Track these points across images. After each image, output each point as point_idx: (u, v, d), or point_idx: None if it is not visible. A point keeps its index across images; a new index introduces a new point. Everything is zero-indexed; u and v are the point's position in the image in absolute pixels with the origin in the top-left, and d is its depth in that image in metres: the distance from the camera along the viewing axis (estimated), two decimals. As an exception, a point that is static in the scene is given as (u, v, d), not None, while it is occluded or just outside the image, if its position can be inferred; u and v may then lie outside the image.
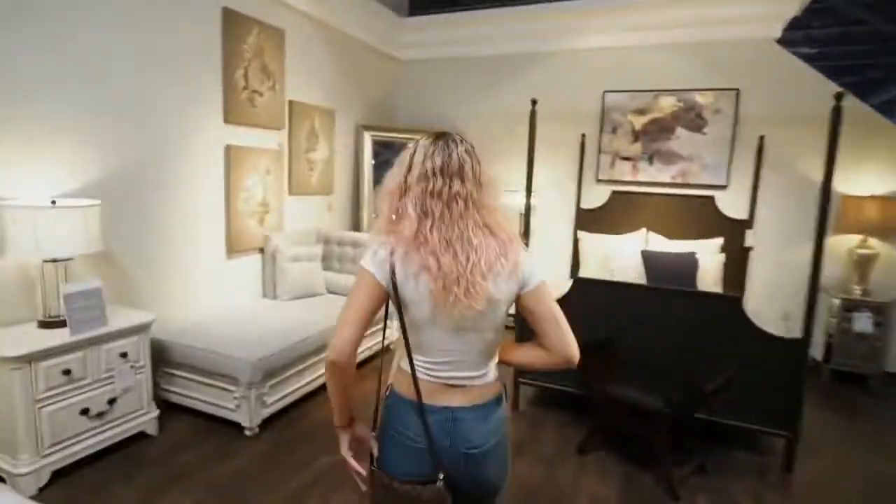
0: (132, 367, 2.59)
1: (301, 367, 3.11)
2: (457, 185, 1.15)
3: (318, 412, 3.08)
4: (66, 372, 2.29)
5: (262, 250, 3.93)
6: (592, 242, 4.64)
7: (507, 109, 5.03)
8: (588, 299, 2.93)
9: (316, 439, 2.79)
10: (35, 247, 2.30)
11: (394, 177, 1.21)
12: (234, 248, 3.67)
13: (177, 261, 3.29)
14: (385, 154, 5.09)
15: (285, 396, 3.00)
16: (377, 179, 5.06)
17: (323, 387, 2.97)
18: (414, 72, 5.59)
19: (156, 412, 2.75)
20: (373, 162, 5.05)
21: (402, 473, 1.19)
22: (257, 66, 3.71)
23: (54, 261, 2.42)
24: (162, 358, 2.94)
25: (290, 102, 4.11)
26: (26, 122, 2.45)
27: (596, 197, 4.84)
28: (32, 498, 2.19)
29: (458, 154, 1.17)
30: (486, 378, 1.23)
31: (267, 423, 2.88)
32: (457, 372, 1.19)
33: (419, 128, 5.33)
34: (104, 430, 2.49)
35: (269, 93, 3.84)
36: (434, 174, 1.15)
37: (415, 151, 1.20)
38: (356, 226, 5.05)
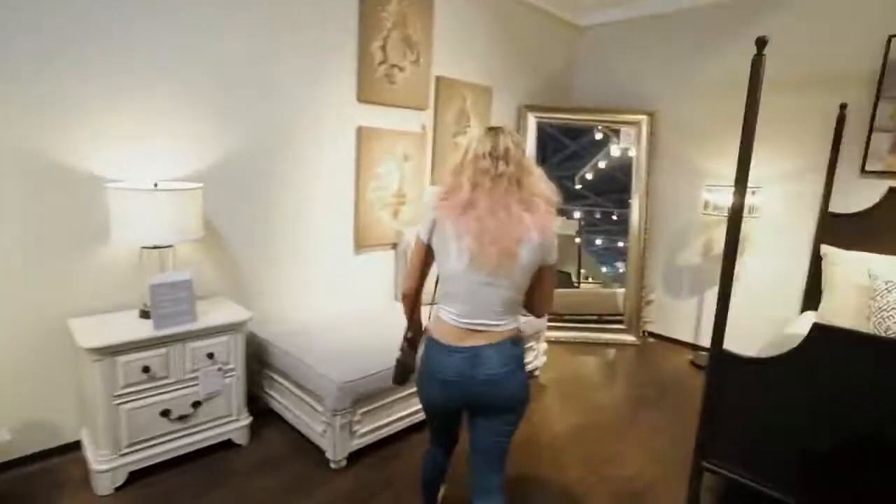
0: (220, 369, 2.34)
1: (401, 394, 2.55)
2: (502, 167, 1.41)
3: (412, 456, 2.49)
4: (146, 369, 2.11)
5: (395, 246, 3.51)
6: (846, 263, 3.12)
7: (724, 78, 3.74)
8: (836, 363, 1.74)
9: (407, 490, 2.21)
10: (136, 232, 2.17)
11: (455, 162, 1.50)
12: (362, 242, 3.30)
13: (296, 254, 3.03)
14: (556, 142, 4.26)
15: (380, 428, 2.48)
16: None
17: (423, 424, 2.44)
18: (597, 39, 4.60)
19: (247, 420, 2.49)
20: (535, 150, 4.26)
21: (432, 401, 1.59)
22: (398, 36, 3.25)
23: (156, 247, 2.28)
24: (264, 360, 2.69)
25: (437, 79, 3.58)
26: (142, 105, 2.35)
27: (857, 197, 3.26)
28: (105, 498, 2.07)
29: (504, 142, 1.43)
30: (505, 326, 1.47)
31: (356, 456, 2.40)
32: (479, 319, 1.45)
33: (603, 107, 4.35)
34: (187, 436, 2.29)
35: (411, 67, 3.36)
36: (484, 156, 1.42)
37: (470, 140, 1.48)
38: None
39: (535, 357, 3.42)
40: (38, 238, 2.16)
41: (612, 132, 4.44)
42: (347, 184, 3.19)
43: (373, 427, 2.44)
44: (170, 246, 2.33)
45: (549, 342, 4.05)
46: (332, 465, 2.33)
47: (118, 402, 2.08)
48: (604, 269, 5.73)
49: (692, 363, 3.90)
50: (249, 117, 2.71)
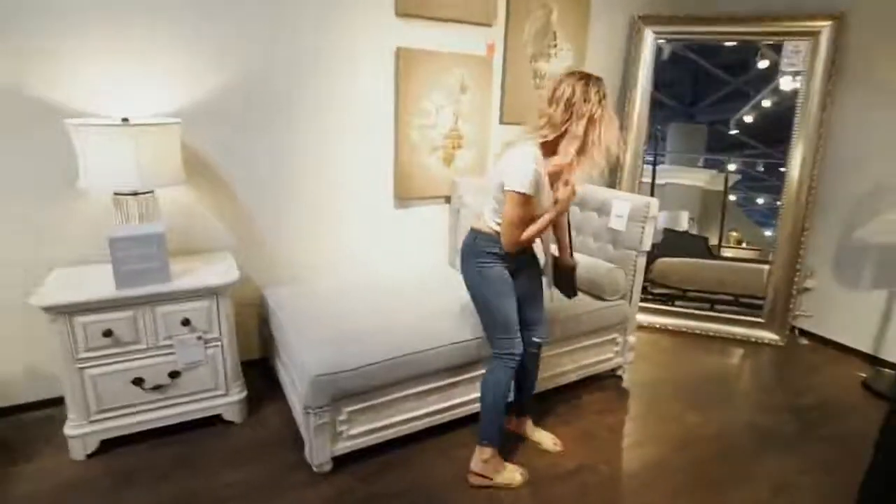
0: (200, 338, 2.02)
1: (401, 393, 2.00)
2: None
3: (409, 469, 1.96)
4: (108, 333, 1.85)
5: (448, 200, 2.89)
6: None
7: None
8: None
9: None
10: (104, 176, 1.88)
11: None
12: (404, 193, 2.73)
13: (321, 207, 2.57)
14: (679, 67, 3.18)
15: (377, 431, 1.98)
16: (660, 112, 3.29)
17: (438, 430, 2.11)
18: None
19: (239, 395, 2.18)
20: (651, 82, 3.20)
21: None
22: (454, -77, 2.48)
23: (135, 194, 1.97)
24: (271, 327, 2.34)
25: (511, -19, 2.74)
26: (142, 29, 2.00)
27: None
28: (76, 463, 1.91)
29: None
30: (477, 222, 1.86)
31: (345, 461, 1.94)
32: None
33: (760, 13, 3.09)
34: (165, 407, 2.04)
35: (472, -34, 2.58)
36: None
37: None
38: (612, 177, 3.40)
39: (618, 353, 2.61)
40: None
41: (770, 48, 3.17)
42: (384, 122, 2.60)
43: (367, 429, 1.95)
44: (149, 192, 2.01)
45: (651, 329, 3.16)
46: (315, 469, 1.91)
47: (81, 366, 1.86)
48: (767, 234, 4.56)
49: (865, 385, 2.72)
50: (258, 37, 2.24)
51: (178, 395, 2.05)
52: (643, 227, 2.44)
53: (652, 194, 3.97)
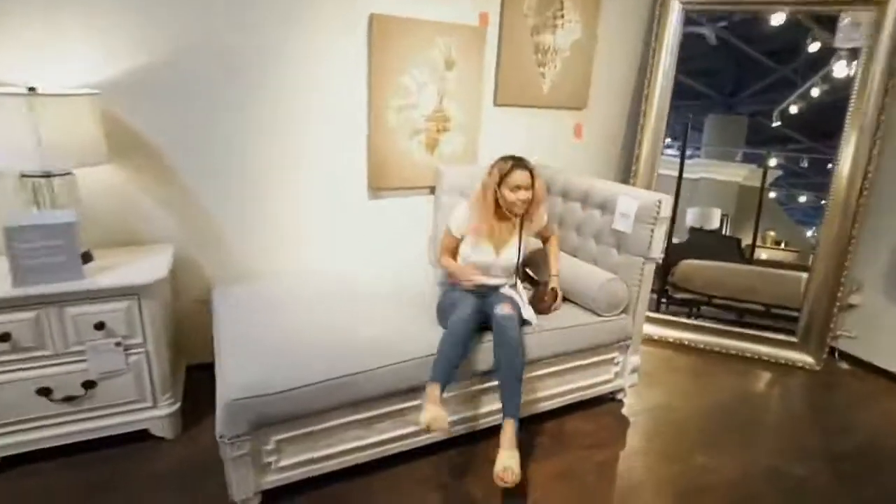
0: (118, 344, 1.75)
1: (356, 416, 1.69)
2: None
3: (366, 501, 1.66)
4: (5, 337, 1.60)
5: (433, 191, 2.55)
6: None
7: None
8: None
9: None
10: (6, 154, 1.62)
11: None
12: (379, 182, 2.40)
13: (283, 196, 2.27)
14: (720, 54, 2.75)
15: (316, 462, 1.68)
16: (683, 94, 2.90)
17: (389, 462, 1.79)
18: None
19: (170, 409, 1.91)
20: (674, 66, 2.76)
21: None
22: None
23: (47, 176, 1.71)
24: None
25: (510, -62, 2.35)
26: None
27: None
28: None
29: None
30: None
31: (279, 494, 1.65)
32: None
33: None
34: (80, 421, 1.79)
35: (461, -81, 2.20)
36: None
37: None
38: (626, 170, 2.99)
39: (617, 374, 2.23)
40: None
41: (822, 28, 2.70)
42: (355, 100, 2.27)
43: (301, 460, 1.65)
44: (66, 174, 1.75)
45: (663, 344, 2.77)
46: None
47: (-26, 373, 1.62)
48: (809, 234, 4.09)
49: (918, 425, 2.27)
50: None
51: (94, 408, 1.79)
52: (652, 230, 2.04)
53: (678, 190, 3.55)
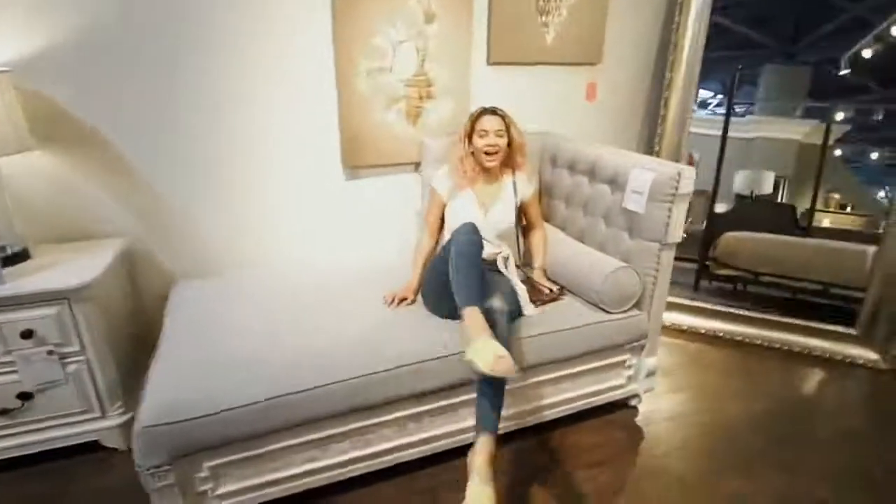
0: (52, 352, 1.59)
1: (308, 437, 1.46)
2: None
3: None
4: (-77, 348, 1.46)
5: (417, 167, 2.24)
6: None
7: None
8: None
9: None
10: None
11: None
12: (354, 159, 2.12)
13: (246, 179, 2.03)
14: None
15: (262, 487, 1.46)
16: (734, 44, 2.45)
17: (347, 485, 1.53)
18: None
19: (120, 417, 1.75)
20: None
21: None
22: None
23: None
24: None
25: None
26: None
27: None
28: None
29: None
30: None
31: (218, 524, 1.46)
32: None
33: None
34: (20, 434, 1.65)
35: None
36: None
37: None
38: (650, 136, 2.56)
39: (630, 377, 1.91)
40: None
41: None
42: (321, 66, 1.97)
43: (245, 486, 1.44)
44: (-18, 165, 1.56)
45: (692, 336, 2.40)
46: (174, 531, 1.44)
47: None
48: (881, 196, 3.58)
49: None
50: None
51: (35, 420, 1.65)
52: (670, 209, 1.67)
53: (722, 152, 3.09)
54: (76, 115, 1.76)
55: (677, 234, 1.71)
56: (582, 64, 2.37)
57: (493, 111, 1.79)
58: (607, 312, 1.76)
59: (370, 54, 1.98)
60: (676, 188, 1.65)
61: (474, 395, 1.56)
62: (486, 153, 1.77)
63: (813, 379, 2.24)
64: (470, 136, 1.80)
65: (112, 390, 1.72)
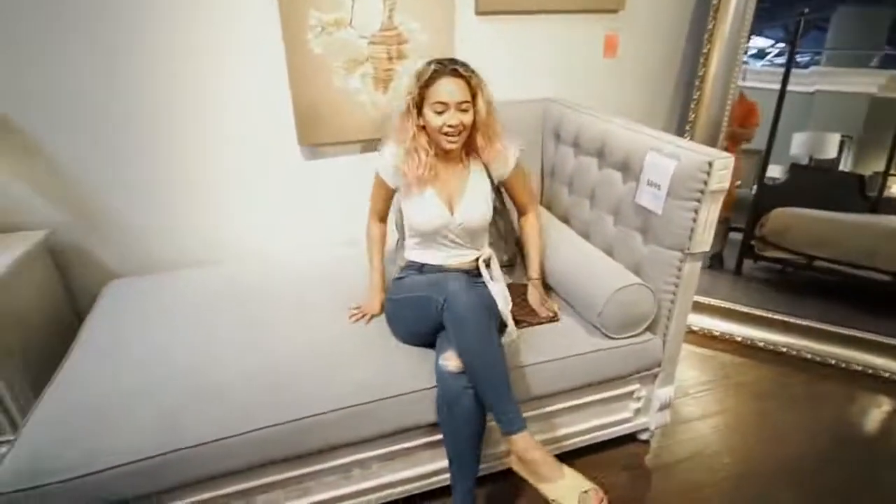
0: (-60, 374, 1.36)
1: (229, 489, 1.20)
2: None
3: None
4: None
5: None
6: None
7: None
8: None
9: None
10: None
11: None
12: (311, 136, 1.76)
13: (192, 164, 1.72)
14: None
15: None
16: None
17: None
18: None
19: (39, 443, 1.53)
20: None
21: None
22: None
23: None
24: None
25: None
26: None
27: None
28: None
29: None
30: None
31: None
32: None
33: None
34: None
35: None
36: None
37: None
38: (683, 109, 2.08)
39: (639, 409, 1.55)
40: None
41: None
42: (264, 24, 1.59)
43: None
44: None
45: (724, 343, 2.02)
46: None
47: None
48: None
49: None
50: None
51: (-61, 446, 1.45)
52: (696, 210, 1.26)
53: (779, 108, 2.57)
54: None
55: (705, 241, 1.30)
56: (599, 11, 1.88)
57: (453, 70, 1.26)
58: (610, 338, 1.39)
59: (322, 4, 1.58)
60: (707, 180, 1.23)
61: (435, 438, 1.27)
62: (446, 133, 1.30)
63: (877, 407, 1.82)
64: (420, 107, 1.31)
65: (28, 407, 1.50)
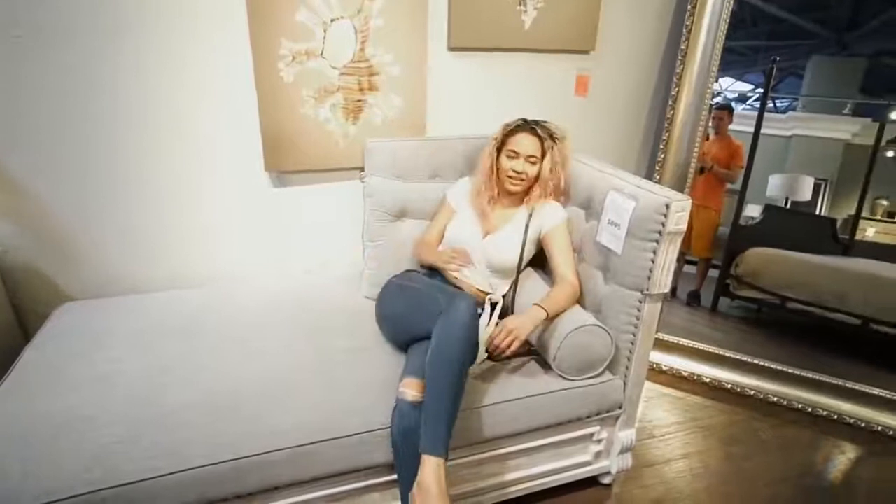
0: None
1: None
2: None
3: None
4: None
5: (361, 172, 1.85)
6: None
7: None
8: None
9: None
10: None
11: None
12: (279, 163, 1.75)
13: (152, 185, 1.69)
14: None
15: None
16: (779, 33, 2.17)
17: None
18: None
19: None
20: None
21: None
22: None
23: None
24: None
25: None
26: None
27: None
28: None
29: None
30: None
31: None
32: None
33: None
34: None
35: None
36: None
37: None
38: (653, 148, 2.11)
39: (599, 453, 1.51)
40: None
41: None
42: (233, 49, 1.59)
43: None
44: None
45: (692, 384, 1.99)
46: None
47: None
48: None
49: None
50: None
51: None
52: (654, 251, 1.25)
53: (753, 151, 2.64)
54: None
55: (665, 282, 1.29)
56: (570, 51, 1.92)
57: (532, 128, 1.50)
58: (567, 379, 1.36)
59: (292, 34, 1.59)
60: (665, 221, 1.23)
61: (384, 479, 1.22)
62: (510, 177, 1.51)
63: (845, 458, 1.79)
64: (499, 151, 1.53)
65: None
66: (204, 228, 1.78)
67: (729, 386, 2.05)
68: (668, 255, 1.26)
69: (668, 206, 1.21)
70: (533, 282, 1.55)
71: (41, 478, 1.02)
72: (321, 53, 1.64)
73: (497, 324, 1.37)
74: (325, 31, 1.62)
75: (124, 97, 1.56)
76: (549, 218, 1.50)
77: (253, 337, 1.47)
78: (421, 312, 1.29)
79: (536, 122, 1.52)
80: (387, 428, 1.18)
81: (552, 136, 1.51)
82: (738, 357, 2.09)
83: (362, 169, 1.79)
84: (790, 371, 2.02)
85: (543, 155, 1.49)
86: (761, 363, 2.05)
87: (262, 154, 1.72)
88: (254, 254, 1.86)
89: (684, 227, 1.23)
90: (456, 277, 1.50)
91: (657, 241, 1.24)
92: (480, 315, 1.39)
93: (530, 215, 1.52)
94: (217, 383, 1.28)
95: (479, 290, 1.51)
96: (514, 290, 1.52)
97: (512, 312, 1.46)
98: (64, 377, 1.30)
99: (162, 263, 1.78)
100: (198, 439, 1.12)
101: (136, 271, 1.76)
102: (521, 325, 1.29)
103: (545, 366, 1.40)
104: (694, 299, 2.72)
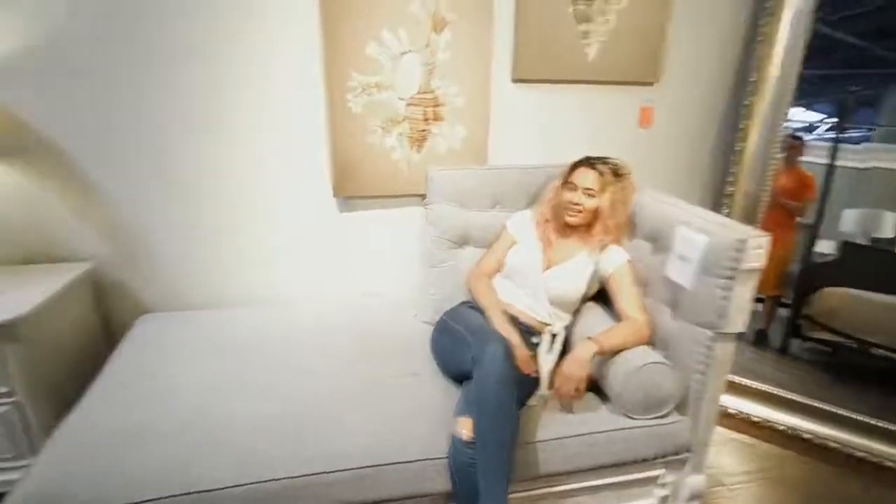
0: (-28, 395, 1.42)
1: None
2: None
3: None
4: None
5: (424, 199, 1.90)
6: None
7: None
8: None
9: None
10: None
11: None
12: (347, 188, 1.82)
13: (228, 209, 1.80)
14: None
15: None
16: (852, 61, 2.07)
17: None
18: None
19: (52, 473, 1.55)
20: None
21: None
22: None
23: None
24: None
25: None
26: None
27: None
28: None
29: None
30: None
31: None
32: None
33: None
34: (-59, 480, 1.49)
35: None
36: None
37: None
38: (720, 182, 2.04)
39: (664, 498, 1.43)
40: None
41: None
42: (307, 83, 1.69)
43: None
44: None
45: (772, 433, 1.86)
46: None
47: None
48: None
49: None
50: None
51: (-37, 466, 1.49)
52: (728, 287, 1.20)
53: (827, 184, 2.50)
54: (36, 129, 1.60)
55: (740, 321, 1.23)
56: (634, 83, 1.91)
57: (592, 164, 1.53)
58: (631, 419, 1.31)
59: (363, 68, 1.67)
60: (741, 257, 1.18)
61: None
62: (567, 208, 1.53)
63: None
64: (564, 184, 1.57)
65: (47, 434, 1.53)
66: (273, 250, 1.86)
67: (807, 436, 1.90)
68: (745, 294, 1.20)
69: (744, 242, 1.16)
70: (594, 315, 1.52)
71: (119, 479, 1.08)
72: (389, 86, 1.71)
73: (559, 353, 1.37)
74: (393, 65, 1.69)
75: (204, 122, 1.68)
76: (612, 259, 1.49)
77: (314, 357, 1.51)
78: (461, 353, 1.33)
79: (599, 158, 1.55)
80: (445, 458, 1.18)
81: (615, 173, 1.52)
82: (815, 404, 1.94)
83: (424, 196, 1.84)
84: (876, 423, 1.85)
85: (603, 190, 1.50)
86: (842, 412, 1.89)
87: (331, 180, 1.80)
88: (318, 275, 1.92)
89: (762, 264, 1.18)
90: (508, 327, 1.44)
91: (731, 278, 1.19)
92: (537, 345, 1.39)
93: (591, 254, 1.52)
94: (278, 402, 1.31)
95: (539, 321, 1.50)
96: (574, 323, 1.51)
97: (571, 345, 1.44)
98: (145, 383, 1.38)
99: (233, 281, 1.87)
100: (259, 456, 1.15)
101: (210, 288, 1.86)
102: (576, 368, 1.29)
103: (607, 399, 1.36)
104: (762, 338, 2.57)
